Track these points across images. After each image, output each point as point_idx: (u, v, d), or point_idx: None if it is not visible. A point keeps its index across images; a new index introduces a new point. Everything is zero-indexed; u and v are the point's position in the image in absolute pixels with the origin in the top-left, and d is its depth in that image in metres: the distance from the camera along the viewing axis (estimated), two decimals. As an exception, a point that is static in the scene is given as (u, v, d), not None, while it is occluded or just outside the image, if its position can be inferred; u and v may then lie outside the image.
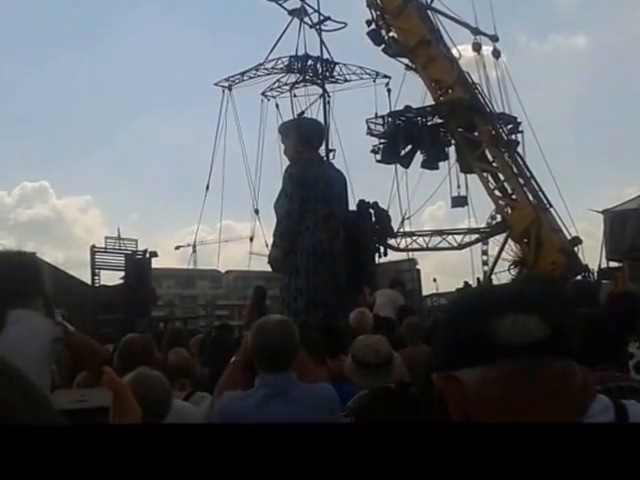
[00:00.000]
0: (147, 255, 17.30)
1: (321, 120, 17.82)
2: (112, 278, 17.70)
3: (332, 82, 20.05)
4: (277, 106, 20.57)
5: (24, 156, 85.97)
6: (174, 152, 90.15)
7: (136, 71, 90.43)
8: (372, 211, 16.65)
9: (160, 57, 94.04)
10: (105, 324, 13.37)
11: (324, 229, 13.15)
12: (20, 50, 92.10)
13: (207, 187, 22.39)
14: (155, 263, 18.31)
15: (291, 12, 19.28)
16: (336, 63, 20.23)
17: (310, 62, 19.67)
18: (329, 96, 19.35)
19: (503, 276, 18.65)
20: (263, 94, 20.98)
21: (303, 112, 18.44)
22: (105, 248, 17.75)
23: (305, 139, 13.54)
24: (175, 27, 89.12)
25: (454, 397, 0.87)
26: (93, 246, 17.75)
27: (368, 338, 3.61)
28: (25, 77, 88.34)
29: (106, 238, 18.43)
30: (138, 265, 16.99)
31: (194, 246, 33.40)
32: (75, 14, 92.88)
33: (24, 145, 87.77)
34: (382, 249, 17.51)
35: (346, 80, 20.55)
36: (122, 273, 17.04)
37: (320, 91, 19.61)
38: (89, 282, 17.52)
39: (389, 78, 20.47)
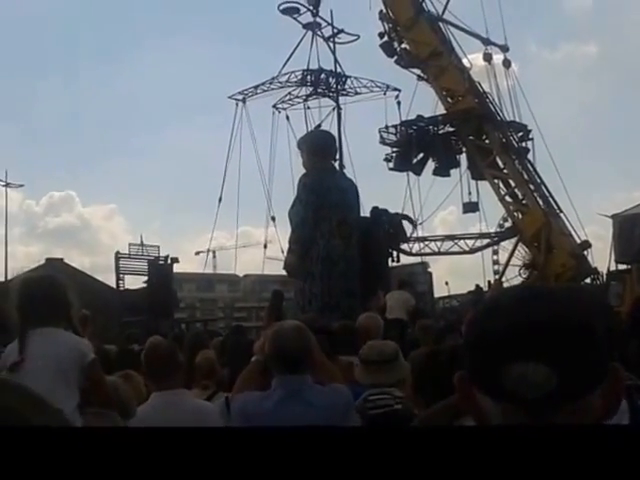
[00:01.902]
0: (169, 261, 18.04)
1: (335, 132, 18.25)
2: (136, 282, 18.51)
3: (343, 95, 20.50)
4: (288, 118, 21.09)
5: (51, 167, 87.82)
6: (194, 162, 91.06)
7: (156, 84, 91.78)
8: (385, 218, 17.00)
9: (179, 71, 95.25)
10: (130, 325, 14.04)
11: (338, 235, 13.54)
12: (47, 62, 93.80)
13: (220, 199, 22.46)
14: (177, 268, 19.09)
15: (305, 25, 19.73)
16: (347, 76, 20.67)
17: (323, 75, 20.16)
18: (340, 108, 19.75)
19: (514, 282, 18.97)
20: (274, 106, 21.46)
21: (320, 125, 18.94)
22: (129, 254, 18.52)
23: (317, 150, 13.98)
24: (192, 41, 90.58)
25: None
26: (117, 252, 18.53)
27: (376, 341, 3.88)
28: (51, 91, 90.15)
29: (130, 245, 19.24)
30: (160, 270, 17.71)
31: (213, 251, 34.10)
32: (99, 31, 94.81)
33: (51, 156, 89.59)
34: (395, 254, 17.91)
35: (357, 93, 20.96)
36: (145, 277, 17.79)
37: (331, 103, 20.05)
38: (114, 286, 18.36)
39: (399, 91, 20.87)
